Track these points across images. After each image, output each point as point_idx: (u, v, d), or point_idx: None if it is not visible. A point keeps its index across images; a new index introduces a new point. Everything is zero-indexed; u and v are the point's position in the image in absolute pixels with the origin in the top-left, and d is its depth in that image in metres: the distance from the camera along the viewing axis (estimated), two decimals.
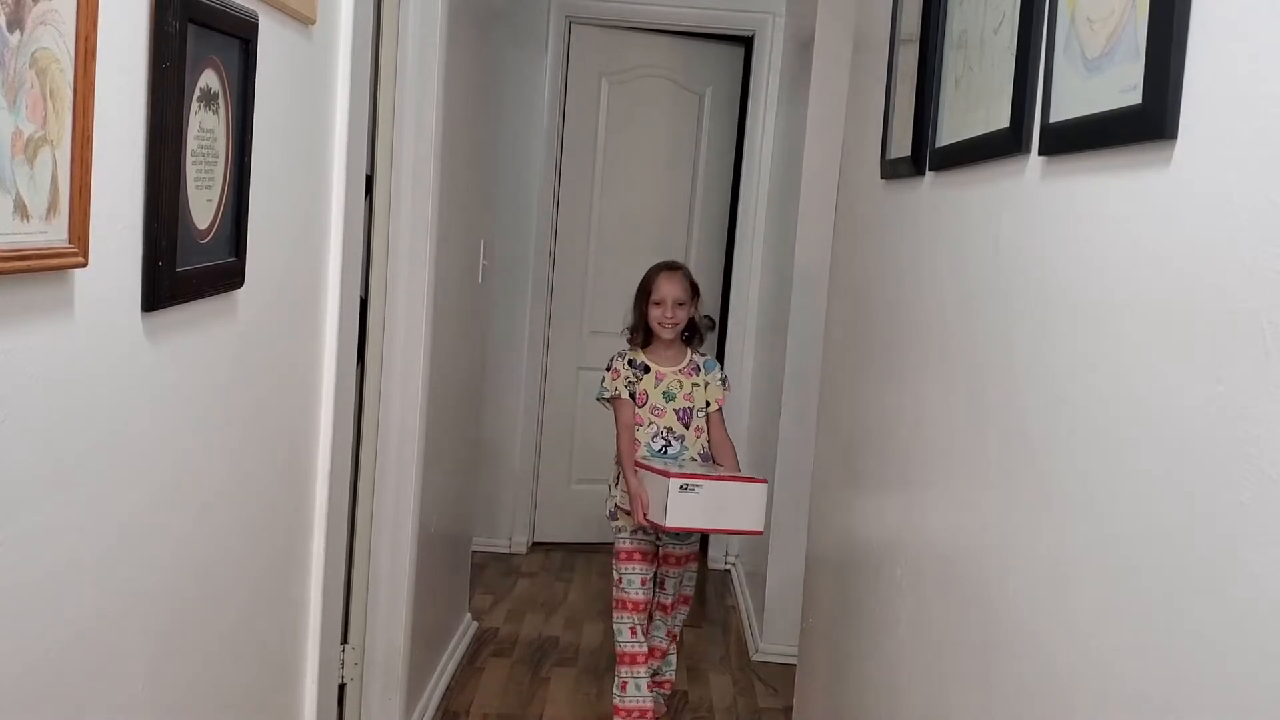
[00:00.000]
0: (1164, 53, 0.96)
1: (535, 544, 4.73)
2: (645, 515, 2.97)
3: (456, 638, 3.52)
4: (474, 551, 3.93)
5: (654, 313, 3.13)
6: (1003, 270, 1.43)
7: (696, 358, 3.21)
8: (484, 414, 4.19)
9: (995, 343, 1.45)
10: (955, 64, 1.75)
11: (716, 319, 4.78)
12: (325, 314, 1.96)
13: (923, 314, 1.85)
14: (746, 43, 4.63)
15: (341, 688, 2.61)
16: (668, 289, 3.13)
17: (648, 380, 3.13)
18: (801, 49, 3.95)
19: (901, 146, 2.05)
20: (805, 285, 3.62)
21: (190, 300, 1.36)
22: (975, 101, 1.61)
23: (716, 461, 3.15)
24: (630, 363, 3.17)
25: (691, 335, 3.21)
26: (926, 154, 1.87)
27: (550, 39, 4.50)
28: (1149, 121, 0.99)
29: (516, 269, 4.54)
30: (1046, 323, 1.26)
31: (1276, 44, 0.82)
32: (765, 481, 3.03)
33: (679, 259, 4.70)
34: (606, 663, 3.52)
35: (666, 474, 2.91)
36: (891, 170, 2.16)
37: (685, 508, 2.92)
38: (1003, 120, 1.43)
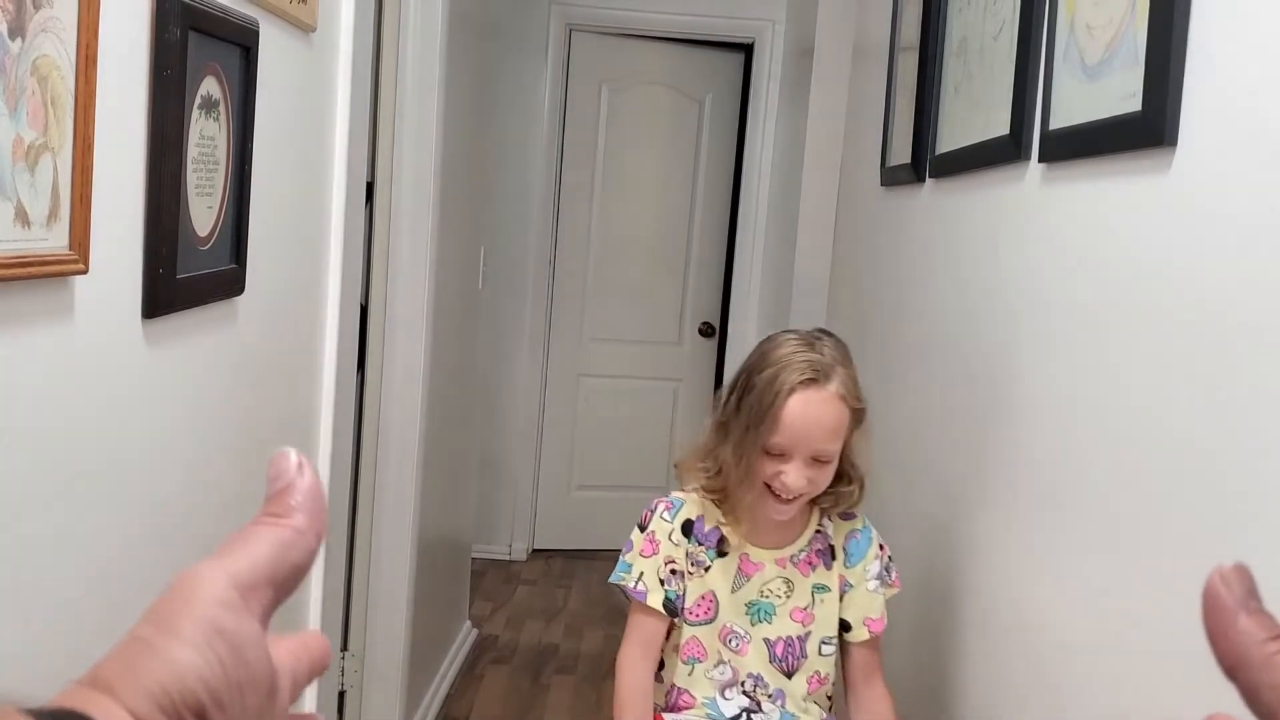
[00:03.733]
0: (1163, 60, 0.96)
1: (535, 551, 4.72)
2: None
3: (456, 645, 3.52)
4: (474, 558, 3.93)
5: (766, 467, 1.50)
6: (1002, 276, 1.43)
7: (832, 523, 1.62)
8: (484, 420, 4.19)
9: (995, 348, 1.45)
10: (955, 71, 1.76)
11: (716, 328, 4.76)
12: (325, 321, 1.96)
13: (923, 320, 1.85)
14: (746, 50, 4.64)
15: (341, 695, 2.61)
16: (802, 433, 1.48)
17: (719, 572, 1.59)
18: (801, 56, 3.95)
19: (901, 153, 2.05)
20: (806, 292, 3.62)
21: (191, 307, 1.36)
22: (975, 108, 1.61)
23: None
24: (686, 527, 1.60)
25: (837, 499, 1.60)
26: (926, 161, 1.88)
27: (550, 47, 4.51)
28: (1148, 128, 0.99)
29: (517, 276, 4.54)
30: (1047, 328, 1.26)
31: (1275, 51, 0.83)
32: None
33: (678, 264, 4.73)
34: (607, 669, 3.51)
35: None
36: (891, 177, 2.16)
37: None
38: (1002, 127, 1.43)
